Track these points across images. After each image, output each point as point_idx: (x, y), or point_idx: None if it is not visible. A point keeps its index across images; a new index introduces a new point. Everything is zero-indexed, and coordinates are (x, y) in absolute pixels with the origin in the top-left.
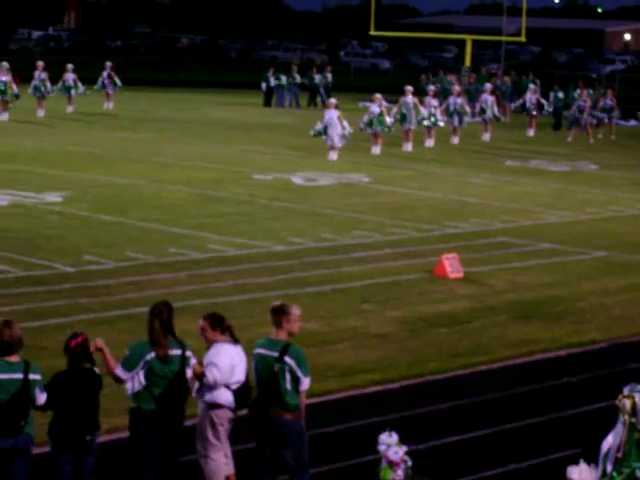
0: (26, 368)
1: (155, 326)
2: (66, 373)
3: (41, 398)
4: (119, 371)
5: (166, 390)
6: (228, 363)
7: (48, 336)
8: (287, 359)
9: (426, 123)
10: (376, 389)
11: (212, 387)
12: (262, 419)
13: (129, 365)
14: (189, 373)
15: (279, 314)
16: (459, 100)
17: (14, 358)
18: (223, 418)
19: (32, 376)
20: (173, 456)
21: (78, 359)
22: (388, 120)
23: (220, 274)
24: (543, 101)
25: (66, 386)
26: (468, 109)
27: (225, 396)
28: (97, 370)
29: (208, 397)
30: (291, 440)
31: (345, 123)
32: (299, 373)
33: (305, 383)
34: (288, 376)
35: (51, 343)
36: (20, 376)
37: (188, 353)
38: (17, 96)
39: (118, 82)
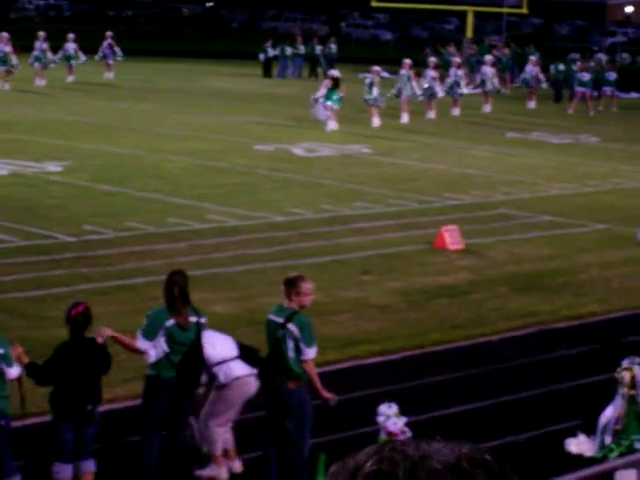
0: None
1: (174, 293)
2: (68, 343)
3: (11, 372)
4: (141, 343)
5: (185, 357)
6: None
7: (49, 306)
8: (290, 326)
9: (421, 98)
10: (376, 360)
11: (217, 368)
12: (269, 386)
13: (150, 334)
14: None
15: (289, 286)
16: (459, 72)
17: None
18: (246, 390)
19: None
20: (183, 422)
21: (79, 328)
22: (375, 92)
23: (220, 244)
24: (541, 76)
25: (68, 356)
26: (463, 82)
27: (237, 367)
28: (100, 340)
29: (224, 379)
30: (293, 409)
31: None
32: (301, 342)
33: (307, 353)
34: (291, 344)
35: (52, 312)
36: None
37: (203, 320)
38: (14, 66)
39: (119, 52)
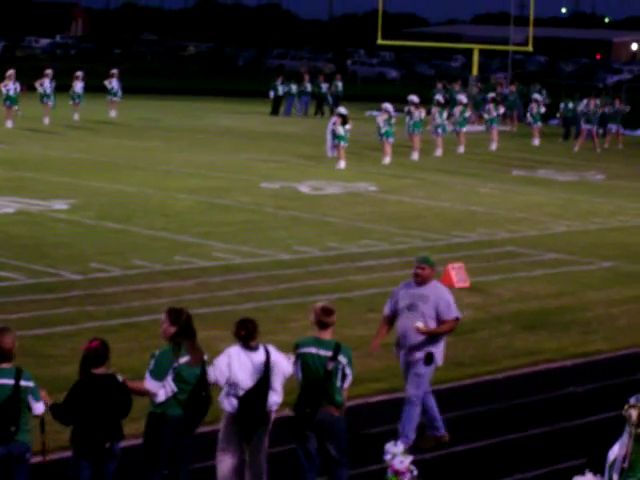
0: (17, 375)
1: (194, 332)
2: (81, 381)
3: (38, 408)
4: (151, 385)
5: (191, 395)
6: (224, 361)
7: (55, 344)
8: (341, 358)
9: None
10: (382, 398)
11: (216, 385)
12: (310, 416)
13: (160, 375)
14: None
15: (330, 315)
16: (445, 112)
17: (5, 365)
18: (229, 427)
19: (24, 383)
20: (185, 460)
21: (87, 364)
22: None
23: (226, 282)
24: (529, 115)
25: (81, 393)
26: (448, 125)
27: (227, 402)
28: (120, 378)
29: (220, 403)
30: (337, 434)
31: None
32: (348, 370)
33: (350, 380)
34: (339, 374)
35: (58, 351)
36: (10, 382)
37: (206, 357)
38: (12, 99)
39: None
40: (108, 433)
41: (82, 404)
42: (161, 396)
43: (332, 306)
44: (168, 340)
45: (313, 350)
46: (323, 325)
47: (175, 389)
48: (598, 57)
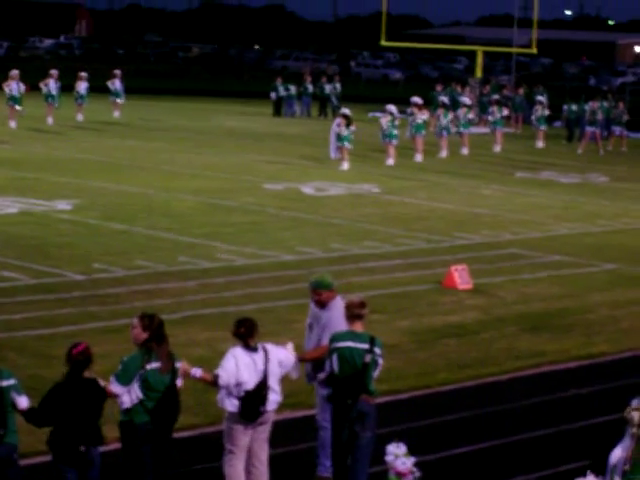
0: None
1: (166, 338)
2: (62, 384)
3: (22, 402)
4: (115, 388)
5: (159, 403)
6: (232, 363)
7: (58, 344)
8: (376, 350)
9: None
10: (384, 400)
11: (222, 388)
12: (351, 407)
13: (124, 379)
14: (179, 383)
15: (364, 307)
16: (450, 114)
17: None
18: (233, 426)
19: (5, 382)
20: (164, 467)
21: (79, 368)
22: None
23: (229, 283)
24: (533, 117)
25: (63, 397)
26: (452, 127)
27: (229, 402)
28: (102, 382)
29: (220, 403)
30: (371, 422)
31: (340, 129)
32: (380, 360)
33: (380, 368)
34: (374, 365)
35: (61, 351)
36: None
37: (178, 365)
38: (15, 99)
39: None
40: (87, 437)
41: (61, 407)
42: (126, 402)
43: (364, 299)
44: (139, 346)
45: (350, 344)
46: (357, 317)
47: (141, 395)
48: (584, 59)
